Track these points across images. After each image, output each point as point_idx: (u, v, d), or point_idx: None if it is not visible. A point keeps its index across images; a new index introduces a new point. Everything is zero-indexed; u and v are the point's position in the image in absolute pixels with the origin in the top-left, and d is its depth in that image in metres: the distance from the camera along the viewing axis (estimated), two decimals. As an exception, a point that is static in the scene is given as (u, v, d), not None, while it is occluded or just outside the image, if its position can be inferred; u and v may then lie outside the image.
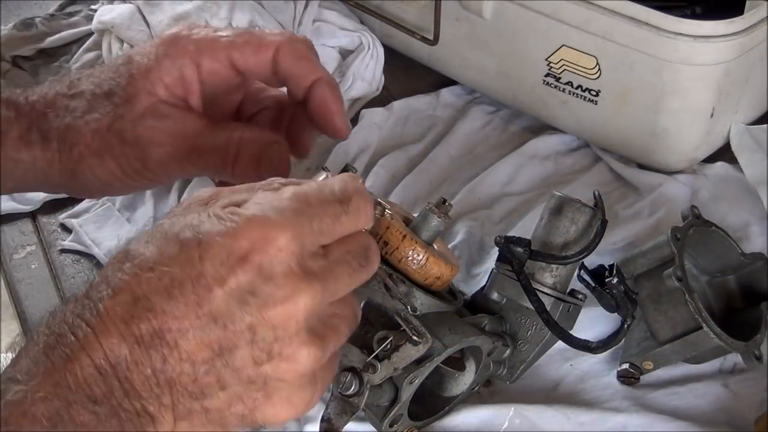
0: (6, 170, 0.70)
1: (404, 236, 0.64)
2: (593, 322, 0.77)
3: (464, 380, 0.70)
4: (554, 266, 0.70)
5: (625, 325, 0.68)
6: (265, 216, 0.50)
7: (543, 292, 0.69)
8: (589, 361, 0.75)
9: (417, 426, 0.69)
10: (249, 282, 0.49)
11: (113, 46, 1.02)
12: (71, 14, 1.10)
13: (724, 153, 0.93)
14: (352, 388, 0.61)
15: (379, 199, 0.64)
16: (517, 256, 0.68)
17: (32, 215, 0.90)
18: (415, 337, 0.61)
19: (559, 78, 0.92)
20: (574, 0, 0.87)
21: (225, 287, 0.49)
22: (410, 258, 0.65)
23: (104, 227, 0.88)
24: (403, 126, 1.00)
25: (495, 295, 0.71)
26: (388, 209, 0.65)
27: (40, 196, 0.90)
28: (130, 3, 1.05)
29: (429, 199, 0.85)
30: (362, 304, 0.61)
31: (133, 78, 0.68)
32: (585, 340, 0.69)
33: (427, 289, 0.66)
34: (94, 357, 0.47)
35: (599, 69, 0.89)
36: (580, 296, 0.71)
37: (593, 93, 0.91)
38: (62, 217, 0.89)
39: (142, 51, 0.70)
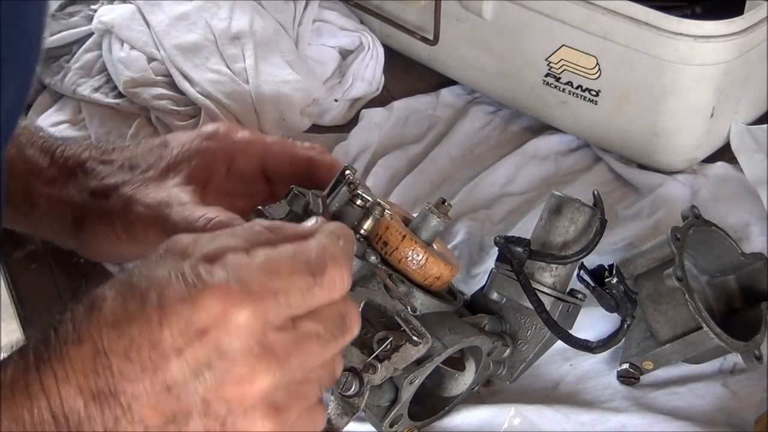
0: (26, 212, 0.76)
1: (404, 236, 0.64)
2: (593, 322, 0.77)
3: (464, 380, 0.70)
4: (554, 266, 0.70)
5: (625, 325, 0.68)
6: (228, 288, 0.48)
7: (542, 291, 0.69)
8: (589, 361, 0.75)
9: (417, 426, 0.68)
10: (206, 356, 0.48)
11: (113, 47, 1.02)
12: (71, 14, 1.10)
13: (724, 153, 0.93)
14: (353, 388, 0.61)
15: (378, 200, 0.64)
16: (516, 256, 0.68)
17: (32, 215, 0.90)
18: (415, 338, 0.61)
19: (559, 78, 0.92)
20: (574, 0, 0.87)
21: (181, 358, 0.48)
22: (410, 258, 0.65)
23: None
24: (403, 126, 1.00)
25: (495, 295, 0.71)
26: (388, 209, 0.65)
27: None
28: (130, 3, 1.05)
29: (429, 199, 0.85)
30: (362, 304, 0.61)
31: (161, 158, 0.74)
32: (585, 340, 0.69)
33: (426, 289, 0.66)
34: (51, 402, 0.47)
35: (599, 69, 0.89)
36: (579, 296, 0.71)
37: (593, 93, 0.91)
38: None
39: (179, 138, 0.76)
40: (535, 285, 0.68)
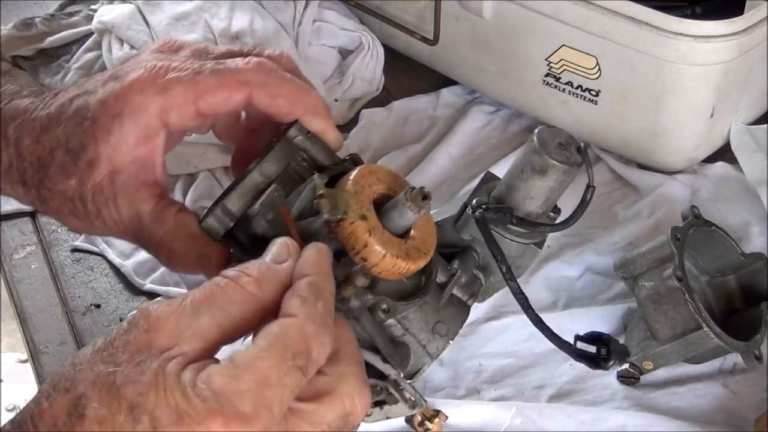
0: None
1: (365, 245, 0.60)
2: (593, 322, 0.77)
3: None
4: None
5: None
6: (222, 413, 0.46)
7: (510, 239, 0.67)
8: (589, 361, 0.75)
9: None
10: None
11: (113, 46, 1.02)
12: (71, 14, 1.10)
13: (724, 153, 0.93)
14: None
15: (348, 186, 0.61)
16: (501, 222, 0.66)
17: (32, 215, 0.90)
18: (411, 407, 0.61)
19: (559, 78, 0.92)
20: (574, 0, 0.87)
21: None
22: (370, 266, 0.61)
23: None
24: (403, 126, 1.00)
25: (467, 236, 0.68)
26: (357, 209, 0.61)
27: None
28: (130, 3, 1.05)
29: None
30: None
31: (95, 140, 0.62)
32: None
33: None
34: None
35: (599, 69, 0.89)
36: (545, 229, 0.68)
37: (593, 93, 0.91)
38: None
39: (106, 104, 0.62)
40: (502, 232, 0.67)
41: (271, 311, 0.51)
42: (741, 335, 0.71)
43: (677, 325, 0.71)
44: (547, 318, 0.78)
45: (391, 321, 0.63)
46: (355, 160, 0.66)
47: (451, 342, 0.65)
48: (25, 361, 1.99)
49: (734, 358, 0.74)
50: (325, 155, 0.64)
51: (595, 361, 0.67)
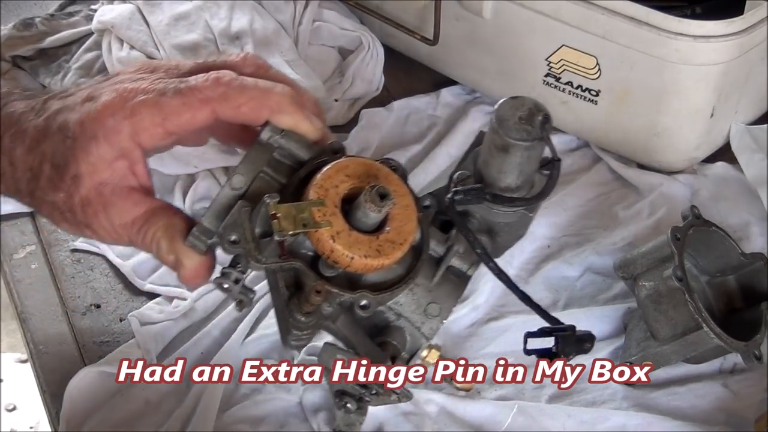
0: None
1: (332, 251, 0.61)
2: (593, 322, 0.77)
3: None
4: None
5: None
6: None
7: (498, 210, 0.68)
8: (590, 361, 0.75)
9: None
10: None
11: (113, 46, 1.02)
12: (71, 14, 1.10)
13: (724, 153, 0.93)
14: (354, 407, 0.64)
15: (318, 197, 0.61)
16: (477, 201, 0.66)
17: (32, 215, 0.90)
18: (401, 398, 0.63)
19: (559, 78, 0.92)
20: (574, 0, 0.87)
21: None
22: (343, 267, 0.61)
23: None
24: (403, 126, 1.00)
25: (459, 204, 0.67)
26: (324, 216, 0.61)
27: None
28: (130, 3, 1.05)
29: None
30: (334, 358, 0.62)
31: (76, 159, 0.63)
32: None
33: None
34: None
35: (599, 69, 0.89)
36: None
37: (593, 93, 0.91)
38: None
39: (83, 125, 0.63)
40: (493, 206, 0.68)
41: None
42: (741, 335, 0.71)
43: (677, 325, 0.71)
44: (547, 318, 0.78)
45: (382, 308, 0.63)
46: (335, 150, 0.65)
47: (444, 322, 0.65)
48: (25, 361, 1.99)
49: (734, 358, 0.75)
50: (304, 149, 0.64)
51: (549, 356, 0.66)
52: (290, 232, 0.59)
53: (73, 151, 0.62)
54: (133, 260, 0.85)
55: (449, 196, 0.66)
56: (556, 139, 0.97)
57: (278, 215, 0.59)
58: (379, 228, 0.62)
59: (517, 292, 0.66)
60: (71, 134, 0.62)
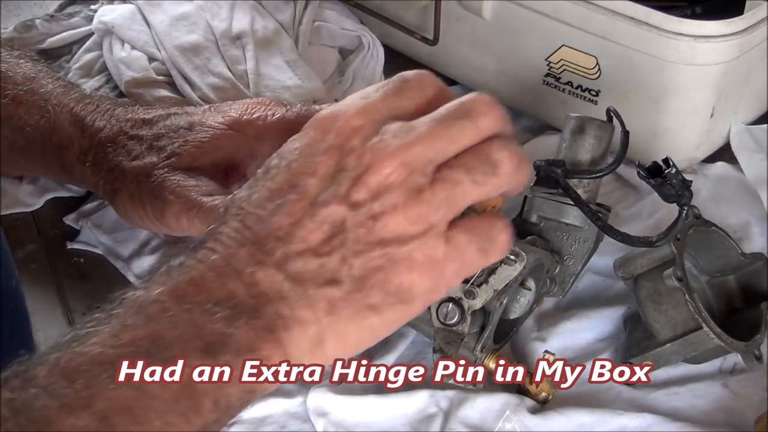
0: (64, 175, 0.81)
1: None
2: (593, 322, 0.77)
3: (526, 300, 0.72)
4: (586, 181, 0.73)
5: (684, 212, 0.70)
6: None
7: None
8: (589, 362, 0.75)
9: (496, 349, 0.71)
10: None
11: (114, 47, 1.02)
12: (71, 15, 1.10)
13: (724, 153, 0.93)
14: (455, 317, 0.65)
15: None
16: (556, 177, 0.71)
17: (32, 215, 0.90)
18: (511, 257, 0.64)
19: (559, 78, 0.92)
20: (574, 0, 0.87)
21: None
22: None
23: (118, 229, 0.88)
24: (403, 126, 1.00)
25: (534, 218, 0.74)
26: None
27: (42, 197, 0.90)
28: (131, 3, 1.05)
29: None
30: None
31: (186, 143, 0.76)
32: (644, 237, 0.71)
33: None
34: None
35: (599, 69, 0.89)
36: (607, 207, 0.77)
37: (593, 93, 0.91)
38: (71, 217, 0.89)
39: (205, 122, 0.77)
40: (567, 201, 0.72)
41: None
42: (741, 335, 0.71)
43: (677, 325, 0.71)
44: (547, 318, 0.78)
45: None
46: None
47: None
48: (25, 361, 1.98)
49: (734, 358, 0.74)
50: None
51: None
52: None
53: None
54: (133, 260, 0.85)
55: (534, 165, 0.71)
56: (557, 139, 0.97)
57: None
58: None
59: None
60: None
